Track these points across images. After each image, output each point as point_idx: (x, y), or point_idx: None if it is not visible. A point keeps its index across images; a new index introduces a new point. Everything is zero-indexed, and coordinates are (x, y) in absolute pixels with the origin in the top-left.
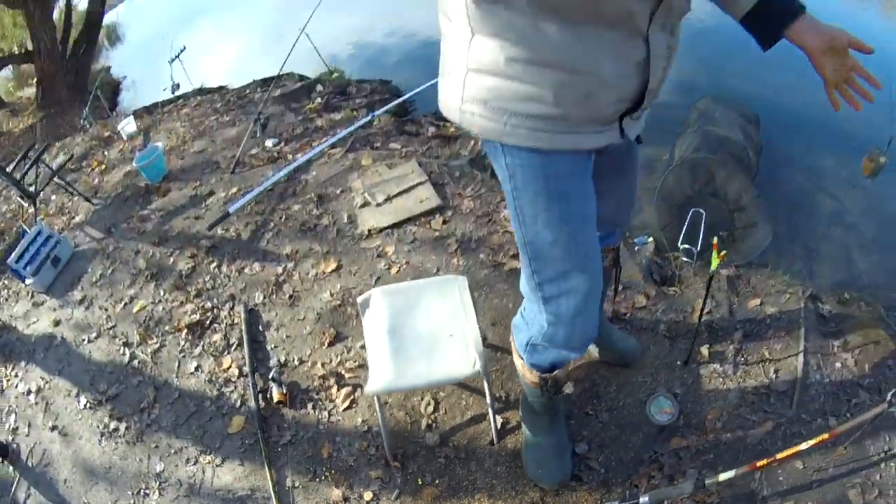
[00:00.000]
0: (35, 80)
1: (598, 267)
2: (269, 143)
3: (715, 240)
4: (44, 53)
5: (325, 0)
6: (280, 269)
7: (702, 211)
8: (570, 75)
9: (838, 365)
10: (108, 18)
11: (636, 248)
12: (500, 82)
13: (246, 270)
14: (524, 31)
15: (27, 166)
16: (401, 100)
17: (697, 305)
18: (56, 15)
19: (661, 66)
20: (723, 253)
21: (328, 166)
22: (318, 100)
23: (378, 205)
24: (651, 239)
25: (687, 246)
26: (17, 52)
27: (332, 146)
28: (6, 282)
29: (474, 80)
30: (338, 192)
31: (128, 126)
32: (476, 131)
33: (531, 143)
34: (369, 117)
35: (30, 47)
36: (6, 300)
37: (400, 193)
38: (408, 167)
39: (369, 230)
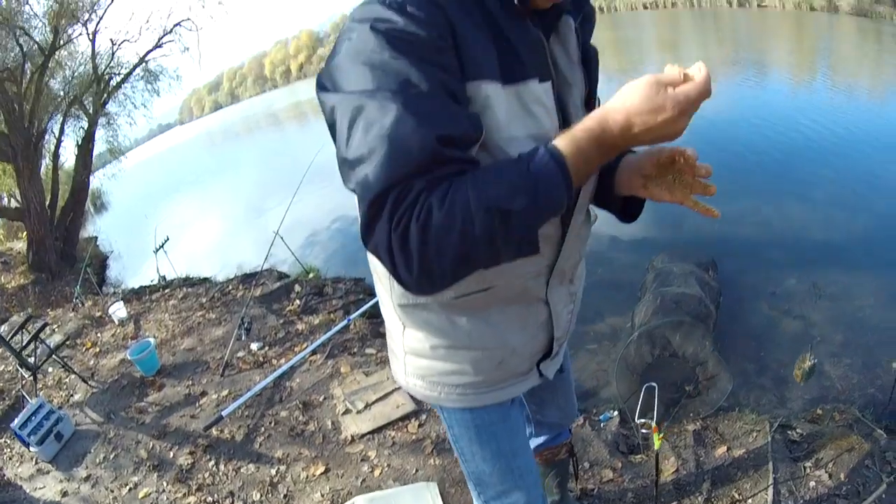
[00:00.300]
0: (25, 237)
1: (535, 480)
2: (253, 346)
3: (654, 423)
4: (34, 216)
5: (302, 191)
6: (273, 471)
7: (654, 385)
8: (482, 352)
9: (812, 484)
10: (93, 182)
11: (602, 425)
12: (430, 363)
13: (242, 470)
14: (441, 325)
15: (26, 341)
16: (372, 302)
17: (665, 467)
18: (43, 171)
19: (565, 318)
20: (661, 436)
21: (310, 374)
22: (297, 301)
23: (359, 412)
24: (616, 412)
25: (643, 420)
26: (6, 204)
27: (313, 352)
28: (8, 441)
29: (411, 360)
30: (321, 398)
31: (118, 311)
32: (420, 398)
33: (461, 405)
34: (346, 322)
35: (19, 201)
36: (10, 459)
37: (378, 400)
38: (383, 374)
39: (352, 436)
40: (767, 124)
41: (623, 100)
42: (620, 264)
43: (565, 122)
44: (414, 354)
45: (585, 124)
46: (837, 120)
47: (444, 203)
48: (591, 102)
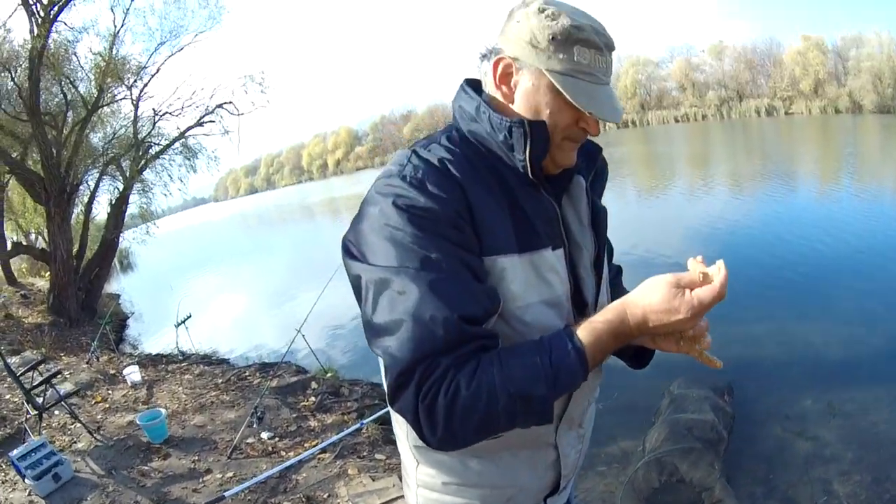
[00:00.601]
0: (48, 277)
1: None
2: (264, 435)
3: None
4: (59, 261)
5: (329, 287)
6: None
7: None
8: (492, 490)
9: None
10: (122, 242)
11: None
12: (441, 496)
13: None
14: (453, 465)
15: (38, 382)
16: (387, 409)
17: None
18: (73, 220)
19: (573, 458)
20: None
21: (317, 470)
22: (312, 398)
23: None
24: None
25: None
26: (33, 242)
27: (323, 450)
28: (3, 466)
29: (423, 492)
30: (325, 496)
31: (132, 375)
32: None
33: None
34: (358, 426)
35: (46, 244)
36: (2, 483)
37: None
38: (389, 481)
39: None
40: (794, 238)
41: (643, 296)
42: (637, 388)
43: (576, 286)
44: (426, 488)
45: (606, 316)
46: (862, 229)
47: (472, 383)
48: (599, 263)
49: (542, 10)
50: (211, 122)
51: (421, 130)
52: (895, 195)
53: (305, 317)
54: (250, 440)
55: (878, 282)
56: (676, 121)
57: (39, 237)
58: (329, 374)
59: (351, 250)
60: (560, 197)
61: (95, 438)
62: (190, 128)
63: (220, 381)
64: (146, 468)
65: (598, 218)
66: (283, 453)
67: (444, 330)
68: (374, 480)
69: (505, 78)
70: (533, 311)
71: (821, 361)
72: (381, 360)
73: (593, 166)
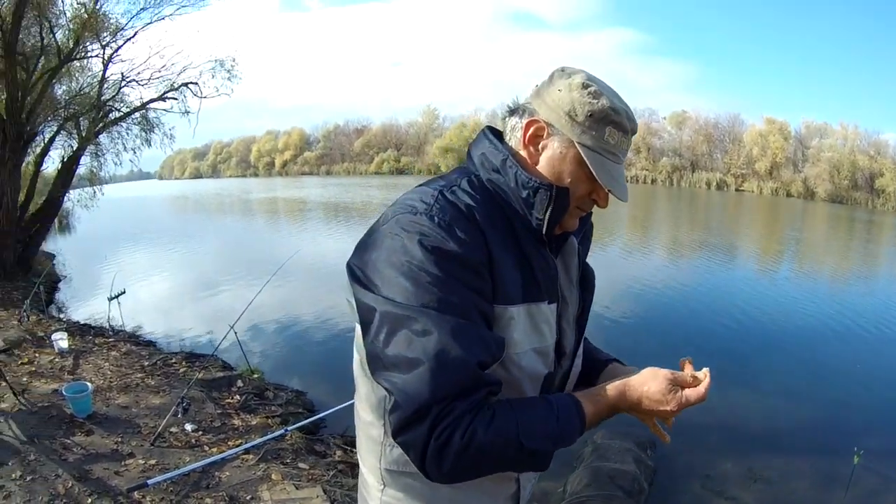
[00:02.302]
0: None
1: None
2: (188, 426)
3: None
4: (3, 209)
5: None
6: None
7: None
8: None
9: None
10: (66, 202)
11: None
12: None
13: None
14: (422, 491)
15: None
16: (312, 419)
17: None
18: (23, 168)
19: (529, 490)
20: None
21: (241, 470)
22: (237, 396)
23: None
24: None
25: None
26: None
27: (247, 451)
28: None
29: None
30: (248, 497)
31: (60, 341)
32: None
33: None
34: (283, 432)
35: None
36: None
37: None
38: (313, 491)
39: None
40: (725, 309)
41: (643, 383)
42: None
43: (559, 339)
44: (390, 497)
45: (608, 392)
46: (793, 309)
47: (489, 430)
48: (582, 319)
49: (585, 87)
50: (174, 99)
51: (372, 147)
52: (831, 280)
53: (241, 314)
54: (174, 430)
55: (802, 360)
56: (626, 181)
57: None
58: (255, 375)
59: (360, 278)
60: (556, 254)
61: (20, 402)
62: (153, 100)
63: (146, 363)
64: (69, 441)
65: (586, 277)
66: (206, 448)
67: (462, 375)
68: (297, 489)
69: (534, 139)
70: (527, 358)
71: (743, 428)
72: (370, 387)
73: (583, 228)
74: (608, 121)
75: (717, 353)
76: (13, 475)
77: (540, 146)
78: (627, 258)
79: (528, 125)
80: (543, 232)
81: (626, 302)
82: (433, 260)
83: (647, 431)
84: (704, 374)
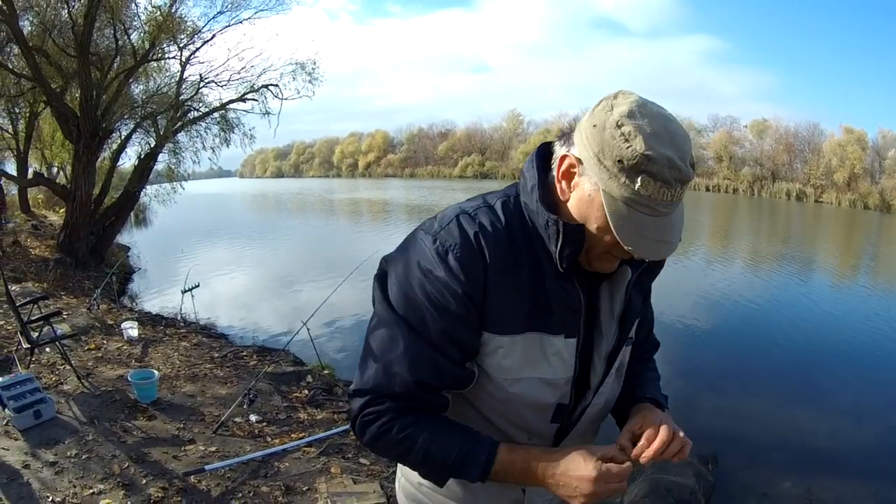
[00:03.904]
0: (62, 216)
1: None
2: (253, 417)
3: None
4: (78, 201)
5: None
6: None
7: None
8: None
9: None
10: (143, 197)
11: None
12: (415, 492)
13: None
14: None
15: (37, 317)
16: None
17: None
18: (99, 164)
19: (539, 502)
20: None
21: (300, 462)
22: (306, 391)
23: None
24: None
25: None
26: (54, 176)
27: (309, 444)
28: None
29: (403, 482)
30: (304, 488)
31: (130, 330)
32: None
33: None
34: (347, 427)
35: (67, 181)
36: None
37: None
38: (370, 486)
39: None
40: (800, 323)
41: (567, 469)
42: None
43: (584, 371)
44: (406, 479)
45: (530, 464)
46: (868, 326)
47: (402, 433)
48: (614, 354)
49: (619, 126)
50: (254, 100)
51: (456, 150)
52: None
53: (315, 311)
54: (238, 419)
55: (874, 380)
56: (707, 189)
57: (61, 172)
58: (326, 371)
59: (384, 279)
60: (598, 283)
61: (83, 384)
62: (232, 101)
63: (216, 355)
64: (129, 425)
65: (630, 313)
66: (268, 439)
67: (398, 386)
68: (355, 483)
69: (567, 175)
70: (524, 386)
71: (806, 447)
72: None
73: (658, 263)
74: (639, 170)
75: (784, 368)
76: (68, 453)
77: (572, 183)
78: (706, 268)
79: (561, 159)
80: (560, 266)
81: (700, 311)
82: (422, 281)
83: (709, 446)
84: (643, 446)
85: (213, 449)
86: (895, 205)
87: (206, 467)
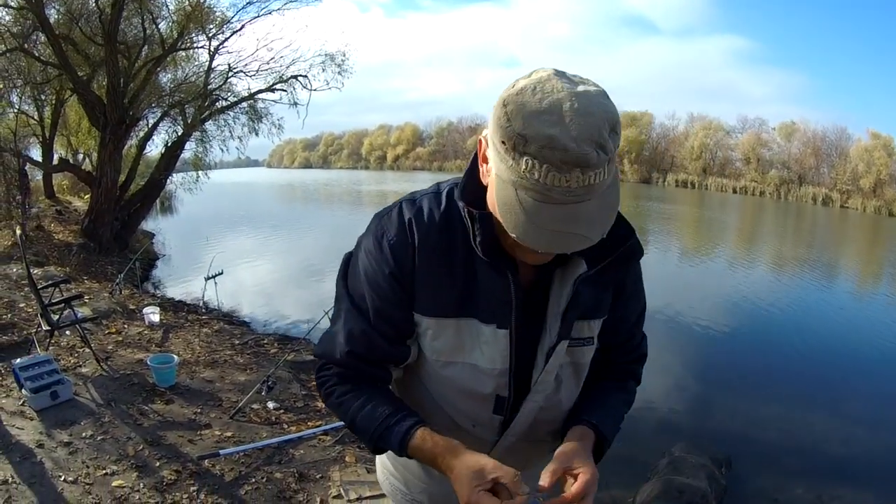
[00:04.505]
0: (87, 202)
1: None
2: (270, 404)
3: None
4: (103, 187)
5: None
6: None
7: None
8: (418, 481)
9: None
10: (169, 185)
11: None
12: (386, 462)
13: None
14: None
15: (57, 300)
16: None
17: None
18: (125, 152)
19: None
20: None
21: (315, 450)
22: None
23: (349, 501)
24: None
25: None
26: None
27: (325, 433)
28: (2, 371)
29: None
30: (318, 476)
31: (152, 315)
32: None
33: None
34: None
35: (93, 168)
36: None
37: (371, 497)
38: None
39: None
40: (819, 330)
41: (459, 476)
42: (640, 443)
43: (523, 364)
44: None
45: (436, 457)
46: (889, 335)
47: (339, 399)
48: (552, 352)
49: (505, 104)
50: (283, 90)
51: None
52: None
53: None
54: (255, 406)
55: (889, 389)
56: (734, 191)
57: (87, 159)
58: None
59: (349, 252)
60: (551, 272)
61: (102, 367)
62: (261, 91)
63: (237, 342)
64: (146, 408)
65: (574, 310)
66: (285, 426)
67: (338, 355)
68: (368, 472)
69: (485, 159)
70: (455, 369)
71: (819, 454)
72: None
73: (612, 253)
74: (519, 151)
75: (802, 374)
76: (83, 434)
77: (487, 168)
78: (728, 270)
79: (479, 142)
80: (480, 254)
81: (720, 313)
82: (364, 261)
83: (724, 448)
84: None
85: (228, 434)
86: None
87: (221, 452)
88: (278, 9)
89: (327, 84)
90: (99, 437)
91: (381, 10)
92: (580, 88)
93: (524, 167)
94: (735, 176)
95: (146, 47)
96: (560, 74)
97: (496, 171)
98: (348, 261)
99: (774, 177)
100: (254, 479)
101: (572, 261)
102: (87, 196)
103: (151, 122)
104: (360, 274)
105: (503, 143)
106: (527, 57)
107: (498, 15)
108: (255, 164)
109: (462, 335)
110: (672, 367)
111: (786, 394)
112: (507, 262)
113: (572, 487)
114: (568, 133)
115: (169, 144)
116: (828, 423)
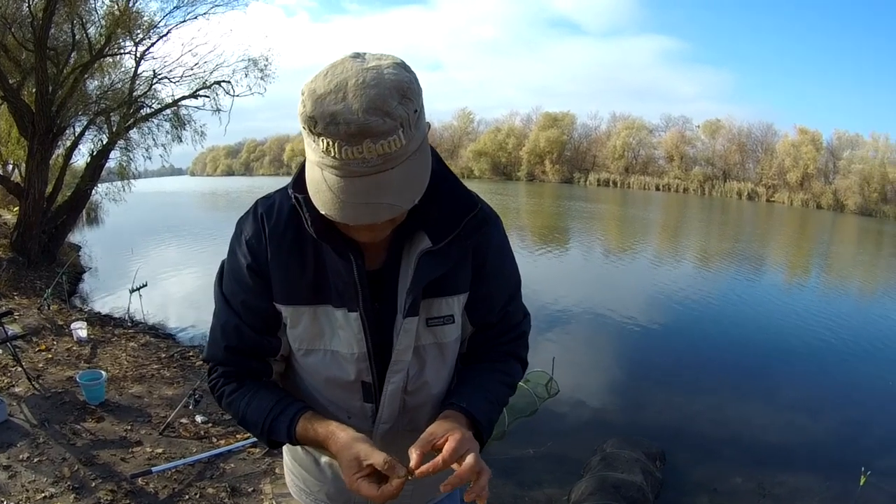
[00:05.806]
0: (16, 214)
1: None
2: (199, 418)
3: None
4: (31, 199)
5: None
6: None
7: None
8: (315, 480)
9: None
10: (94, 195)
11: None
12: (291, 461)
13: None
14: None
15: None
16: None
17: None
18: (52, 162)
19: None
20: None
21: (246, 463)
22: None
23: None
24: None
25: None
26: (9, 174)
27: (254, 445)
28: None
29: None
30: (250, 489)
31: (80, 330)
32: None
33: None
34: None
35: (21, 179)
36: None
37: None
38: None
39: None
40: (749, 321)
41: (340, 459)
42: (571, 440)
43: (382, 344)
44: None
45: (321, 440)
46: (819, 324)
47: (228, 399)
48: (401, 329)
49: (302, 92)
50: (206, 97)
51: None
52: (859, 296)
53: None
54: (184, 420)
55: (823, 377)
56: (657, 189)
57: (16, 170)
58: None
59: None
60: (398, 252)
61: (34, 386)
62: (184, 97)
63: (163, 355)
64: (79, 427)
65: (416, 284)
66: (214, 440)
67: (219, 353)
68: None
69: None
70: (317, 357)
71: (756, 443)
72: None
73: (458, 226)
74: (313, 132)
75: (734, 365)
76: (21, 456)
77: None
78: (654, 266)
79: None
80: (314, 236)
81: (648, 309)
82: (229, 258)
83: (657, 443)
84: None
85: (160, 450)
86: (849, 204)
87: (153, 469)
88: (205, 13)
89: (250, 89)
90: (35, 459)
91: (307, 13)
92: (371, 65)
93: (322, 147)
94: (658, 174)
95: (75, 53)
96: (356, 56)
97: (307, 156)
98: (223, 265)
99: (698, 174)
100: (187, 496)
101: (416, 236)
102: (15, 208)
103: (78, 130)
104: (228, 270)
105: (304, 128)
106: (451, 59)
107: (423, 17)
108: (179, 172)
109: (320, 322)
110: (601, 363)
111: (716, 386)
112: (349, 244)
113: (443, 449)
114: (349, 107)
115: (94, 153)
116: (759, 412)
